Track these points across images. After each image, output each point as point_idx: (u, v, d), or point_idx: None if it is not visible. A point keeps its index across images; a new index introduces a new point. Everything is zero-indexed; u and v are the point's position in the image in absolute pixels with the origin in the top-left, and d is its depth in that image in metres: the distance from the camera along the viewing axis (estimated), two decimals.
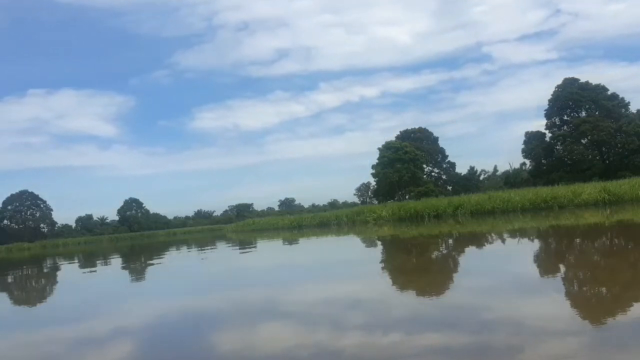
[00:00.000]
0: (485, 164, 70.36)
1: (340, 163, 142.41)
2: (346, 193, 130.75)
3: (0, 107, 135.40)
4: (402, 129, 68.55)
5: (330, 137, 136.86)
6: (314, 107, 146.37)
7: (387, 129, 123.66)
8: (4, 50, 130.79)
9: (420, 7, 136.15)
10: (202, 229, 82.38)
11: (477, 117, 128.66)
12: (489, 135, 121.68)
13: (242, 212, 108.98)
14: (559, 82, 56.36)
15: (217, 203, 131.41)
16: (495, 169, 71.00)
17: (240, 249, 22.87)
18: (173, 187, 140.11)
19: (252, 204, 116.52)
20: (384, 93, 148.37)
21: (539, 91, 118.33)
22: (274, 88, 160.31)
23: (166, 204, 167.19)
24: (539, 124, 58.24)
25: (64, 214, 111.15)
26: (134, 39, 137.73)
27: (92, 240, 78.06)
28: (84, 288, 12.78)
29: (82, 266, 23.18)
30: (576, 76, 55.70)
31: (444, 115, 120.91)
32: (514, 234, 16.60)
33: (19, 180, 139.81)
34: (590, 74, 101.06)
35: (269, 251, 20.51)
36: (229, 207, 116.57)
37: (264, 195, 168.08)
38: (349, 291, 7.73)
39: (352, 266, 11.53)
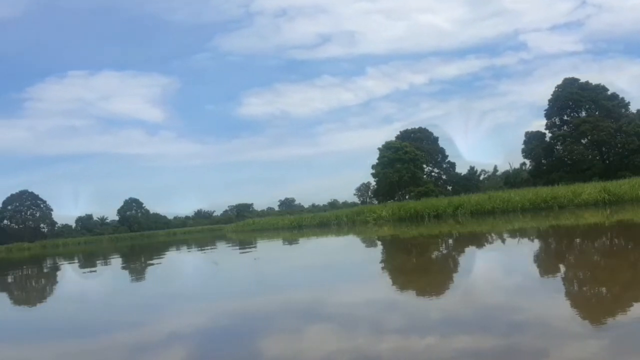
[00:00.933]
0: (485, 164, 69.74)
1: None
2: (346, 193, 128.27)
3: (41, 87, 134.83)
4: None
5: (379, 127, 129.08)
6: (362, 94, 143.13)
7: (433, 118, 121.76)
8: (42, 33, 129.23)
9: None
10: (202, 229, 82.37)
11: (515, 107, 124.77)
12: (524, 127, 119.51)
13: (242, 212, 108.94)
14: (559, 82, 56.34)
15: (210, 203, 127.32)
16: (495, 169, 70.97)
17: (240, 249, 22.89)
18: (225, 179, 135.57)
19: (252, 204, 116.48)
20: (432, 80, 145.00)
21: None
22: (321, 72, 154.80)
23: (161, 204, 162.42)
24: (539, 124, 58.15)
25: (106, 209, 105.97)
26: (169, 25, 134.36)
27: (92, 240, 78.03)
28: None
29: (124, 266, 23.09)
30: (598, 71, 55.49)
31: (486, 103, 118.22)
32: (514, 234, 16.61)
33: (62, 165, 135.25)
34: (611, 69, 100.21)
35: (306, 250, 20.51)
36: (228, 207, 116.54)
37: (314, 192, 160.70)
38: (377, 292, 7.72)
39: (374, 266, 11.52)
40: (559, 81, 56.39)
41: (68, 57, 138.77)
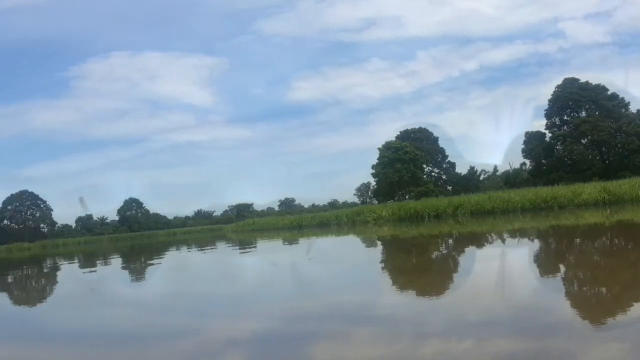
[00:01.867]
0: (485, 164, 69.45)
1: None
2: (346, 193, 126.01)
3: (85, 67, 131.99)
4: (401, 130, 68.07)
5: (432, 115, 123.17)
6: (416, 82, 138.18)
7: (481, 107, 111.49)
8: (81, 15, 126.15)
9: None
10: (202, 229, 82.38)
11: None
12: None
13: (242, 212, 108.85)
14: (569, 77, 56.13)
15: (210, 203, 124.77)
16: (495, 169, 70.83)
17: (240, 249, 22.88)
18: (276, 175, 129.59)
19: (252, 204, 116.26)
20: (482, 66, 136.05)
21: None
22: (369, 55, 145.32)
23: (161, 204, 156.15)
24: (539, 124, 57.99)
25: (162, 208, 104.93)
26: (207, 9, 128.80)
27: (92, 240, 78.00)
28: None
29: (154, 267, 23.08)
30: (622, 65, 55.30)
31: (530, 90, 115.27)
32: (514, 234, 16.61)
33: (112, 148, 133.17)
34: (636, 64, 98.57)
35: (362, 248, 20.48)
36: (228, 207, 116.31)
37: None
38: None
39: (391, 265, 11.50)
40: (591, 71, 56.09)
41: (110, 38, 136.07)
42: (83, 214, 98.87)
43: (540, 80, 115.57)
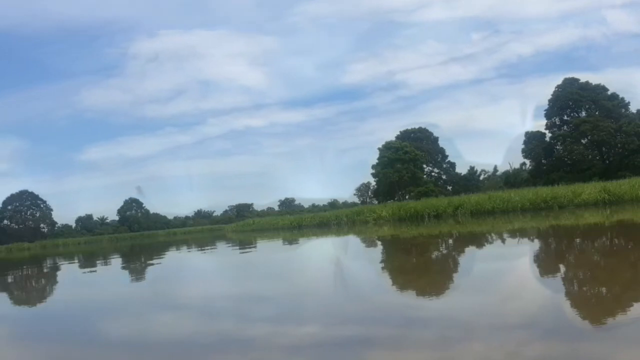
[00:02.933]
0: (485, 164, 69.49)
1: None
2: (346, 193, 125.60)
3: (133, 45, 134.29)
4: (402, 129, 68.33)
5: (214, 159, 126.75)
6: (199, 136, 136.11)
7: (279, 154, 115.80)
8: None
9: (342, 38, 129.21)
10: (202, 229, 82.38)
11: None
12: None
13: (242, 212, 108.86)
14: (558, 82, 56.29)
15: (210, 203, 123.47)
16: (495, 169, 70.87)
17: (240, 249, 22.89)
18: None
19: (252, 204, 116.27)
20: (273, 123, 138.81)
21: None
22: (165, 125, 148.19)
23: (161, 204, 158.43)
24: (539, 124, 58.02)
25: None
26: (50, 73, 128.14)
27: (92, 240, 78.01)
28: None
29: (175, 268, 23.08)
30: (573, 77, 55.64)
31: (344, 142, 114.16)
32: (514, 234, 16.61)
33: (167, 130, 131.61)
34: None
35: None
36: (228, 207, 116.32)
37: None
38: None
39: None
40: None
41: (155, 17, 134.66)
42: (141, 200, 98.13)
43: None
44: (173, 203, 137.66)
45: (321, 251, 18.41)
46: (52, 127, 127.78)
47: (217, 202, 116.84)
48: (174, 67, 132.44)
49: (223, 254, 20.52)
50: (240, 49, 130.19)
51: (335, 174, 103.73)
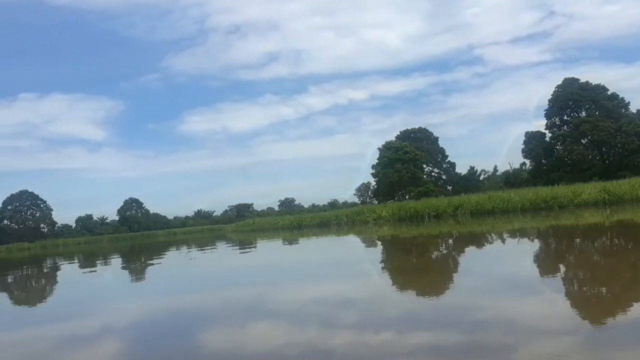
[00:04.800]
0: (485, 164, 69.75)
1: (328, 164, 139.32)
2: (346, 193, 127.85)
3: None
4: (393, 131, 68.54)
5: (319, 138, 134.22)
6: (302, 109, 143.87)
7: (377, 131, 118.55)
8: None
9: (413, 9, 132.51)
10: (202, 229, 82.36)
11: (468, 120, 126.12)
12: (481, 137, 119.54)
13: (242, 212, 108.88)
14: (559, 82, 56.36)
15: (210, 203, 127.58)
16: (495, 169, 70.96)
17: (240, 249, 22.88)
18: (164, 188, 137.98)
19: (252, 204, 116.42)
20: (373, 96, 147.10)
21: (532, 92, 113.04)
22: (264, 91, 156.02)
23: (161, 204, 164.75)
24: (539, 124, 58.13)
25: (62, 214, 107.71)
26: (126, 43, 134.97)
27: (92, 240, 78.01)
28: None
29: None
30: (573, 77, 55.73)
31: (435, 117, 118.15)
32: (514, 234, 16.61)
33: (10, 181, 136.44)
34: (586, 75, 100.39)
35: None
36: (228, 207, 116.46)
37: (257, 195, 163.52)
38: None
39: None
40: (524, 91, 56.39)
41: (20, 79, 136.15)
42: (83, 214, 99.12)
43: (446, 107, 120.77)
44: (278, 188, 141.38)
45: (335, 253, 18.41)
46: (145, 89, 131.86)
47: (217, 202, 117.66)
48: (259, 38, 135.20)
49: (226, 254, 20.53)
50: (89, 111, 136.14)
51: None
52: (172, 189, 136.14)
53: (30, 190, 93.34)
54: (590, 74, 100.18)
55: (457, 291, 7.17)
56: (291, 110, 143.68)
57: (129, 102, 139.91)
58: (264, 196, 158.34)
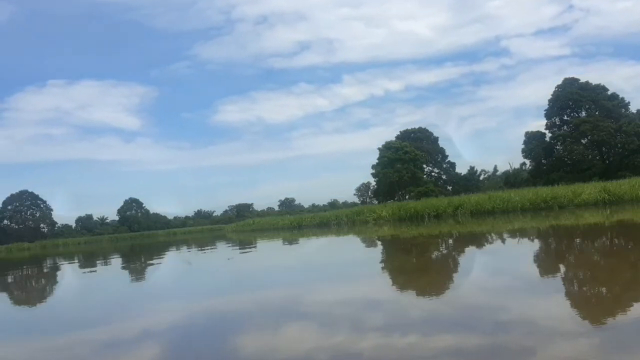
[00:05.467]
0: (485, 164, 69.63)
1: (365, 159, 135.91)
2: (346, 193, 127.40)
3: (20, 97, 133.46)
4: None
5: (354, 132, 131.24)
6: (338, 101, 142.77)
7: (409, 123, 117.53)
8: (22, 41, 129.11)
9: (436, 1, 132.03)
10: (202, 229, 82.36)
11: (496, 112, 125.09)
12: (509, 130, 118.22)
13: (242, 212, 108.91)
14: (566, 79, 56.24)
15: (249, 198, 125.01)
16: (495, 169, 70.97)
17: (240, 249, 22.89)
18: (201, 183, 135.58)
19: (252, 204, 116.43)
20: (408, 87, 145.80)
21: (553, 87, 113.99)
22: (298, 80, 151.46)
23: (194, 200, 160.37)
24: (539, 124, 58.14)
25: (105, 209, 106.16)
26: (150, 33, 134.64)
27: (92, 240, 78.00)
28: None
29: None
30: (587, 73, 55.96)
31: (464, 109, 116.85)
32: (514, 234, 16.61)
33: (39, 172, 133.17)
34: (601, 71, 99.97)
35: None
36: (228, 207, 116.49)
37: (305, 190, 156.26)
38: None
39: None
40: (544, 84, 56.34)
41: (48, 66, 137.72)
42: (83, 214, 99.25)
43: (475, 98, 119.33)
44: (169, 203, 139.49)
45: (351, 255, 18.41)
46: (176, 77, 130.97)
47: (217, 202, 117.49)
48: (287, 28, 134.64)
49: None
50: (121, 97, 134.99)
51: (458, 145, 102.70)
52: (211, 183, 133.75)
53: (71, 180, 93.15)
54: (604, 72, 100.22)
55: (456, 291, 7.17)
56: (326, 101, 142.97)
57: (161, 88, 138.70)
58: (307, 192, 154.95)
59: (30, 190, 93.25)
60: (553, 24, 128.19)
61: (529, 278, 7.53)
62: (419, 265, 10.91)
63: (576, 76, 56.14)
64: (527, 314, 5.17)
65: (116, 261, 23.20)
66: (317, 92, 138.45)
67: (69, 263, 26.29)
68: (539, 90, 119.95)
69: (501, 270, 8.74)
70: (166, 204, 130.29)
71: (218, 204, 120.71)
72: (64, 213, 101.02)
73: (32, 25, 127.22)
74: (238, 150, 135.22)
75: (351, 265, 11.95)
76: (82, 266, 23.10)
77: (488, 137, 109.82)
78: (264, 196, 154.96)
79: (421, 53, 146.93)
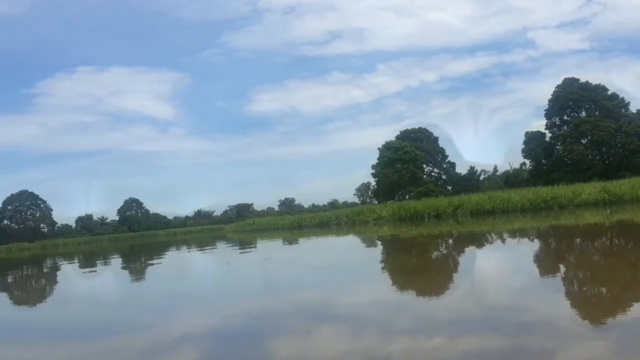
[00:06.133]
0: (489, 164, 69.25)
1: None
2: (346, 193, 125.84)
3: (51, 83, 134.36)
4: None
5: (390, 124, 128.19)
6: (374, 91, 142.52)
7: (444, 115, 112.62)
8: (50, 28, 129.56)
9: None
10: (202, 229, 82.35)
11: (524, 104, 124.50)
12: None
13: (242, 212, 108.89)
14: (564, 78, 56.24)
15: (211, 203, 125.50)
16: (495, 169, 70.91)
17: (240, 249, 22.89)
18: (240, 177, 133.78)
19: (252, 204, 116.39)
20: (443, 77, 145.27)
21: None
22: (331, 68, 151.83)
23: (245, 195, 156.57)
24: (539, 124, 58.04)
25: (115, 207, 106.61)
26: (176, 22, 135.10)
27: (92, 240, 77.99)
28: None
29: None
30: (604, 69, 55.56)
31: (494, 100, 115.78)
32: (514, 234, 16.61)
33: (72, 162, 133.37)
34: (617, 68, 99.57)
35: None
36: (228, 207, 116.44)
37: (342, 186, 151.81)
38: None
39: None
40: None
41: (76, 53, 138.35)
42: (83, 214, 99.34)
43: (505, 90, 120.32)
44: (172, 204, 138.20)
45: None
46: (207, 64, 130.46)
47: (217, 202, 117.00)
48: (317, 17, 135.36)
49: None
50: (153, 84, 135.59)
51: (487, 137, 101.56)
52: (250, 178, 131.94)
53: (115, 176, 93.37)
54: (620, 68, 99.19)
55: (456, 291, 7.17)
56: (362, 91, 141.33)
57: (193, 74, 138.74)
58: (342, 189, 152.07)
59: (39, 187, 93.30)
60: (574, 17, 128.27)
61: (529, 278, 7.53)
62: (422, 264, 10.91)
63: (589, 73, 56.08)
64: (528, 314, 5.18)
65: (116, 261, 23.18)
66: (351, 82, 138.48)
67: (69, 263, 26.27)
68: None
69: (501, 270, 8.74)
70: (199, 199, 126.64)
71: (218, 204, 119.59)
72: (97, 209, 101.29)
73: (55, 14, 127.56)
74: (274, 143, 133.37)
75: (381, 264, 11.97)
76: (81, 266, 23.10)
77: (516, 129, 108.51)
78: (310, 193, 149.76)
79: (454, 42, 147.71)
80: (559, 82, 56.25)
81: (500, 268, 9.03)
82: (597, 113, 53.58)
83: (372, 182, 67.68)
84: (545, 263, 9.17)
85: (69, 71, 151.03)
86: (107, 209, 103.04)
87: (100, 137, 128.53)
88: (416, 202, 38.60)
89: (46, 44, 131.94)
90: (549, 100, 55.90)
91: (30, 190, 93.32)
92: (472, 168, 67.16)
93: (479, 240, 15.48)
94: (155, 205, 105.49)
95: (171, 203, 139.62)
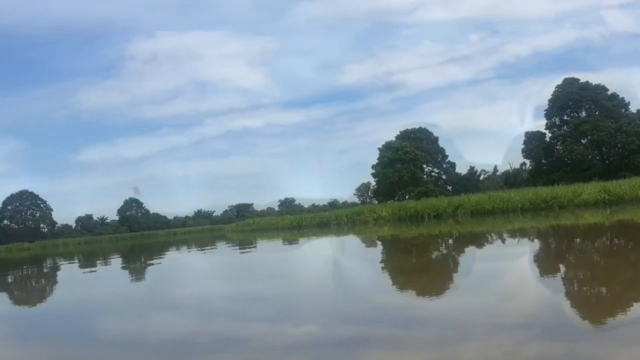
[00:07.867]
0: (485, 164, 69.16)
1: None
2: (345, 193, 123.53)
3: (132, 46, 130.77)
4: (401, 129, 68.27)
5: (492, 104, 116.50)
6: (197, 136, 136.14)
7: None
8: None
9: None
10: (202, 229, 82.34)
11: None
12: None
13: (242, 212, 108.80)
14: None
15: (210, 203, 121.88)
16: (495, 169, 70.83)
17: (240, 248, 22.90)
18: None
19: (252, 204, 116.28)
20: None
21: None
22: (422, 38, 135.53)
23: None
24: (539, 124, 58.00)
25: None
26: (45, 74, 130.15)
27: (92, 240, 77.98)
28: None
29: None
30: (573, 77, 55.64)
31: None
32: (514, 234, 16.62)
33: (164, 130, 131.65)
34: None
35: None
36: (228, 207, 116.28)
37: None
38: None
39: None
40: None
41: (153, 18, 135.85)
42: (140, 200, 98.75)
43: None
44: (171, 203, 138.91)
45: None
46: (50, 128, 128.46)
47: (217, 202, 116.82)
48: (172, 68, 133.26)
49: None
50: (237, 49, 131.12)
51: (334, 174, 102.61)
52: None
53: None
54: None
55: (456, 291, 7.18)
56: (185, 138, 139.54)
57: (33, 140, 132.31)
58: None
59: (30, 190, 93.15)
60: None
61: (529, 278, 7.53)
62: (441, 263, 10.91)
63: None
64: (528, 314, 5.18)
65: (116, 261, 23.17)
66: (178, 133, 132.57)
67: (69, 263, 26.28)
68: None
69: (501, 270, 8.74)
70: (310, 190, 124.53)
71: (218, 204, 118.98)
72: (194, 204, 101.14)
73: None
74: (94, 177, 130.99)
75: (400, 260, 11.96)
76: (82, 266, 23.10)
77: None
78: None
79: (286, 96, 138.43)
80: (559, 82, 56.28)
81: (500, 268, 9.03)
82: (597, 113, 53.57)
83: (372, 182, 67.74)
84: (545, 263, 9.18)
85: (149, 34, 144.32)
86: (107, 209, 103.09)
87: (188, 107, 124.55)
88: (416, 202, 38.61)
89: (123, 9, 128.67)
90: (549, 100, 55.89)
91: (29, 190, 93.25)
92: (472, 168, 67.14)
93: (479, 240, 15.48)
94: (155, 205, 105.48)
95: (171, 203, 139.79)
